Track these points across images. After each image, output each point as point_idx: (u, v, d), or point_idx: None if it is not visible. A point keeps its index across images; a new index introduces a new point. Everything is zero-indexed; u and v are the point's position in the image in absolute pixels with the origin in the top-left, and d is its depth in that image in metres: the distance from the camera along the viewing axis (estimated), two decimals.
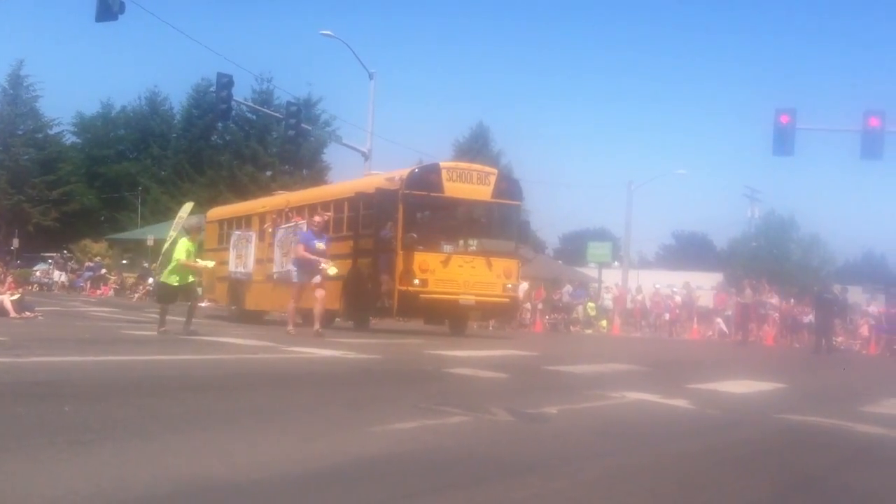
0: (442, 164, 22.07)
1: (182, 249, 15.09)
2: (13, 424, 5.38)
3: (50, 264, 52.67)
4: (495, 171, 23.22)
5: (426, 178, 20.70)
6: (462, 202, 21.37)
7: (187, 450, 4.94)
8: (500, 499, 4.28)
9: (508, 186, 22.36)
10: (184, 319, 15.07)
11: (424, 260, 19.88)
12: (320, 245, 17.52)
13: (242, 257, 25.56)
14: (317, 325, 16.64)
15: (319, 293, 17.02)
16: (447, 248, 20.51)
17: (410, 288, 19.64)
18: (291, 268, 18.15)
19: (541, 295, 36.06)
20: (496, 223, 22.27)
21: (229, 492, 4.04)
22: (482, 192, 21.18)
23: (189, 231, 15.81)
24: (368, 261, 20.77)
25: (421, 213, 21.33)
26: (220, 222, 29.01)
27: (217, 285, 27.74)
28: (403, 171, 21.20)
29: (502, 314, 25.03)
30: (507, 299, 21.52)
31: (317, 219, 18.22)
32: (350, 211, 21.88)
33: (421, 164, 23.24)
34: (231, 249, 26.18)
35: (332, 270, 17.36)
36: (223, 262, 26.43)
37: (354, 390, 8.58)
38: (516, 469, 5.07)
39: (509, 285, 21.23)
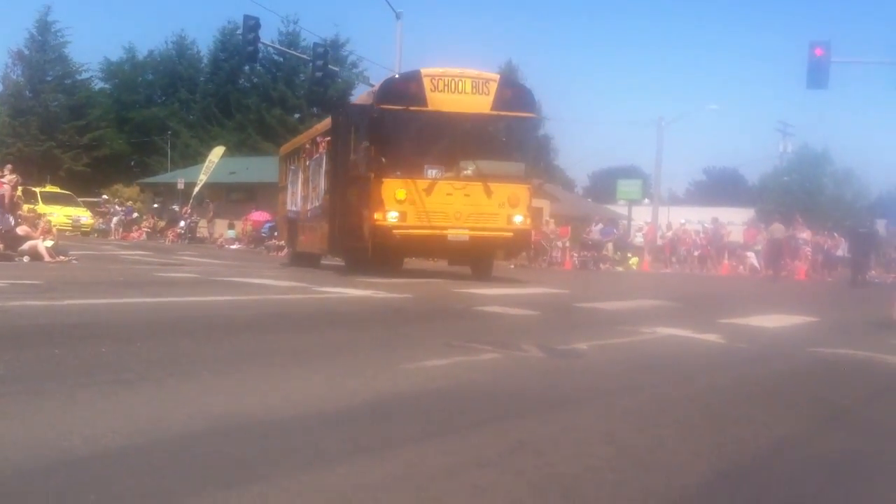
0: (424, 70, 17.67)
1: None
2: (52, 365, 5.47)
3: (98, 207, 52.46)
4: (496, 76, 18.69)
5: (404, 89, 17.30)
6: (452, 116, 17.11)
7: (223, 389, 5.01)
8: (532, 433, 4.31)
9: (515, 95, 18.20)
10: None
11: (400, 188, 16.77)
12: None
13: (294, 194, 23.65)
14: None
15: None
16: (431, 172, 17.08)
17: (384, 223, 16.70)
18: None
19: (567, 232, 35.88)
20: (499, 141, 18.52)
21: (264, 429, 4.10)
22: (479, 102, 17.39)
23: None
24: (343, 193, 17.74)
25: (399, 131, 17.43)
26: (286, 157, 26.59)
27: (283, 226, 26.27)
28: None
29: (508, 251, 20.91)
30: (510, 233, 17.71)
31: None
32: (332, 136, 18.84)
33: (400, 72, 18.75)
34: (289, 186, 24.53)
35: None
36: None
37: (386, 329, 8.66)
38: (548, 404, 5.11)
39: (517, 216, 17.52)
